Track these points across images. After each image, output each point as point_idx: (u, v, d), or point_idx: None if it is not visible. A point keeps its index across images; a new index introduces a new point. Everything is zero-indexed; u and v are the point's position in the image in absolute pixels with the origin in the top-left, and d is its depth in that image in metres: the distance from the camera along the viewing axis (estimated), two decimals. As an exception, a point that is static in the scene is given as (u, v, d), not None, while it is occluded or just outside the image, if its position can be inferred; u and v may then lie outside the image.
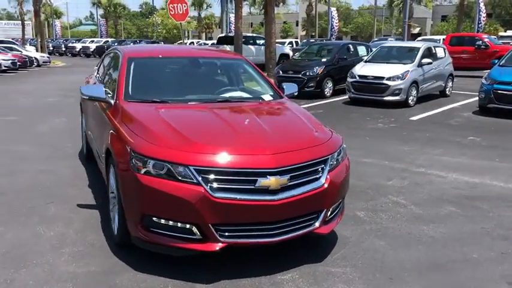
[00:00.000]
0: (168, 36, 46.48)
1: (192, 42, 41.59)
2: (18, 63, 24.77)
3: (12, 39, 36.90)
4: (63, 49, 46.80)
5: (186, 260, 3.61)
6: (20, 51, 29.29)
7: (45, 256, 3.73)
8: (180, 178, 3.23)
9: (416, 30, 51.11)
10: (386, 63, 12.22)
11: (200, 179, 3.20)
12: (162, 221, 3.33)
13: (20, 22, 46.09)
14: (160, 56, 5.39)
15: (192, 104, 4.45)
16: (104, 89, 4.51)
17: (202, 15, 60.48)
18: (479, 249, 4.00)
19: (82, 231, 4.20)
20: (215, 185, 3.22)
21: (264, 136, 3.69)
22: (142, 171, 3.31)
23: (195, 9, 57.08)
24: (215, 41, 28.81)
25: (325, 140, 3.81)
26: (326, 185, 3.52)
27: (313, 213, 3.59)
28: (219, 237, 3.29)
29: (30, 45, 40.25)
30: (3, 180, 5.65)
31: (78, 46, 45.19)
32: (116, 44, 36.76)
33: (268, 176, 3.25)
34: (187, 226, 3.30)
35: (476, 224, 4.54)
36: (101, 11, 62.43)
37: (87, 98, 4.48)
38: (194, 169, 3.22)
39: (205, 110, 4.34)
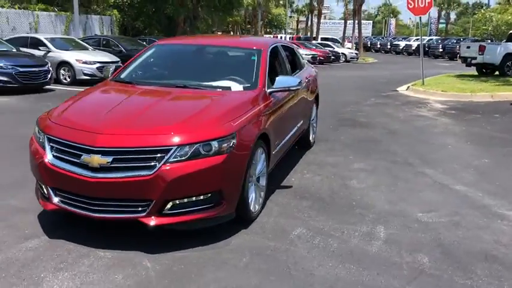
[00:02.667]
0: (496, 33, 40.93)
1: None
2: (320, 57, 27.51)
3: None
4: (388, 47, 48.35)
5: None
6: (333, 47, 32.31)
7: None
8: (39, 143, 3.66)
9: None
10: None
11: (48, 147, 3.54)
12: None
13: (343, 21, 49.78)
14: (181, 43, 5.72)
15: (146, 87, 4.54)
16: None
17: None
18: None
19: None
20: (54, 153, 3.52)
21: (135, 119, 3.63)
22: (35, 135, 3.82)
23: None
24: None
25: (185, 131, 3.42)
26: (157, 175, 3.22)
27: (142, 201, 3.31)
28: (53, 200, 3.52)
29: (348, 42, 43.38)
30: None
31: (402, 44, 45.76)
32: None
33: (90, 154, 3.27)
34: (39, 185, 3.70)
35: None
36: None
37: None
38: (46, 137, 3.59)
39: (140, 92, 4.41)
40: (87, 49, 14.66)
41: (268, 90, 4.43)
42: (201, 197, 3.41)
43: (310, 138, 6.53)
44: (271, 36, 43.55)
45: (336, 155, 6.16)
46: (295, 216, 4.10)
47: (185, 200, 3.37)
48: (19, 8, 19.93)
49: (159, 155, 3.26)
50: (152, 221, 3.31)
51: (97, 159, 3.25)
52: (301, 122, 5.77)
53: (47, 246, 3.41)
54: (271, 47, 5.09)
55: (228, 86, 4.40)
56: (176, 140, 3.32)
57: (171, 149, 3.28)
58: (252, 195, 3.89)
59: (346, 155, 6.20)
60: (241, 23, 51.94)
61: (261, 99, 4.25)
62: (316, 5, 45.57)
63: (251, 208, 3.87)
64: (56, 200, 3.52)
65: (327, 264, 3.25)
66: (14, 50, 12.07)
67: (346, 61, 31.66)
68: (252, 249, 3.44)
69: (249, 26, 51.86)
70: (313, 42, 34.80)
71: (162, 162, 3.25)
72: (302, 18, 66.11)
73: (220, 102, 4.11)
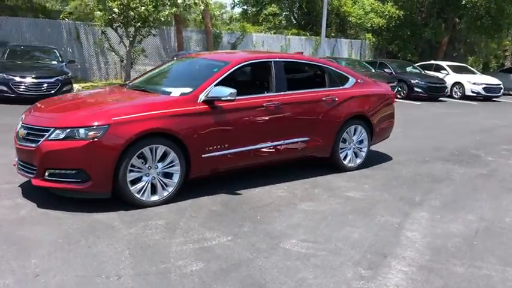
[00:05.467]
0: None
1: None
2: None
3: None
4: None
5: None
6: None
7: None
8: None
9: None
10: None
11: None
12: None
13: None
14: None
15: (126, 89, 5.61)
16: None
17: None
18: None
19: None
20: None
21: (59, 109, 4.84)
22: None
23: None
24: None
25: (69, 120, 4.40)
26: (39, 148, 4.33)
27: (33, 166, 4.45)
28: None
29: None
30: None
31: None
32: None
33: (21, 128, 4.68)
34: None
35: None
36: None
37: None
38: None
39: (109, 92, 5.81)
40: (474, 73, 19.89)
41: (202, 99, 4.83)
42: (68, 172, 4.29)
43: (345, 161, 6.17)
44: None
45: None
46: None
47: (57, 171, 4.31)
48: (275, 33, 23.36)
49: (43, 133, 4.34)
50: (37, 183, 4.40)
51: (21, 132, 4.58)
52: (306, 138, 5.67)
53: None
54: (244, 63, 5.36)
55: (169, 91, 5.03)
56: (54, 124, 4.34)
57: (50, 130, 4.31)
58: (140, 185, 4.48)
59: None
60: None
61: (182, 105, 4.72)
62: None
63: (137, 195, 4.46)
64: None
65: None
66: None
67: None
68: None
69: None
70: None
71: (43, 139, 4.31)
72: None
73: (132, 102, 4.87)
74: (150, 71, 6.23)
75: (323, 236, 4.07)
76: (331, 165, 6.17)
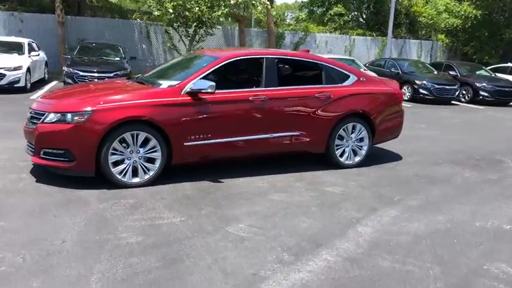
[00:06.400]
0: None
1: None
2: None
3: None
4: None
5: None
6: None
7: None
8: None
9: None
10: None
11: None
12: None
13: None
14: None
15: (131, 81, 6.15)
16: None
17: None
18: None
19: None
20: None
21: (63, 97, 5.45)
22: None
23: None
24: None
25: (61, 105, 4.99)
26: (36, 129, 4.97)
27: (32, 145, 5.11)
28: None
29: None
30: None
31: None
32: None
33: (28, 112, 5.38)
34: None
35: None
36: None
37: None
38: None
39: (113, 83, 6.38)
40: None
41: (186, 91, 5.19)
42: (58, 151, 4.85)
43: (342, 158, 6.21)
44: None
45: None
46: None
47: (49, 150, 4.89)
48: (339, 33, 23.17)
49: (40, 117, 4.95)
50: (34, 160, 5.02)
51: (28, 116, 5.24)
52: (297, 133, 5.82)
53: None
54: (233, 59, 5.65)
55: (160, 83, 5.45)
56: (48, 108, 4.93)
57: (45, 113, 4.90)
58: (121, 167, 4.94)
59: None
60: None
61: (166, 95, 5.11)
62: None
63: (118, 176, 4.93)
64: None
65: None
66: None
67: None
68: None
69: None
70: None
71: (40, 122, 4.92)
72: None
73: (122, 92, 5.34)
74: (162, 64, 6.72)
75: (272, 223, 4.24)
76: (327, 161, 6.24)
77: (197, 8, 14.17)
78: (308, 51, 7.63)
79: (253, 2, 16.16)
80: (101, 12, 21.57)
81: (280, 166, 6.09)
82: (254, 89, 5.67)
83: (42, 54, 15.38)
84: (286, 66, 6.17)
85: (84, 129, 4.76)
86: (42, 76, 14.99)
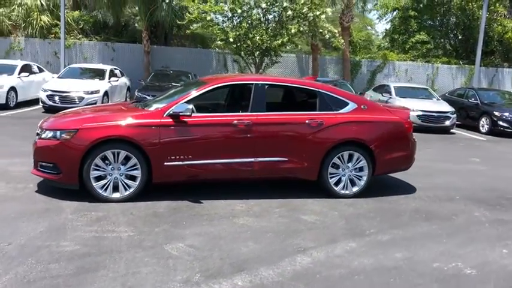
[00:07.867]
0: None
1: None
2: None
3: None
4: None
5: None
6: None
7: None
8: None
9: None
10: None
11: None
12: None
13: None
14: None
15: (129, 105, 6.62)
16: None
17: None
18: None
19: None
20: None
21: (69, 117, 6.00)
22: None
23: None
24: None
25: (55, 124, 5.54)
26: (35, 143, 5.61)
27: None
28: None
29: None
30: None
31: None
32: None
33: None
34: None
35: None
36: None
37: None
38: None
39: (112, 106, 7.00)
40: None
41: (168, 113, 5.47)
42: (48, 164, 5.38)
43: (337, 187, 6.02)
44: None
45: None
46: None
47: (43, 163, 5.44)
48: (422, 61, 22.19)
49: (41, 133, 5.53)
50: (33, 172, 5.60)
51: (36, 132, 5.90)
52: (284, 158, 5.79)
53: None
54: (221, 84, 5.83)
55: (152, 106, 5.80)
56: (46, 126, 5.50)
57: (43, 131, 5.48)
58: (103, 182, 5.32)
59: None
60: None
61: (148, 117, 5.46)
62: None
63: (99, 190, 5.31)
64: None
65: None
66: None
67: None
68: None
69: None
70: None
71: (39, 137, 5.50)
72: None
73: (111, 113, 5.77)
74: (171, 90, 7.12)
75: (213, 245, 4.28)
76: (321, 189, 6.08)
77: (257, 37, 14.62)
78: (315, 78, 7.54)
79: (321, 30, 16.21)
80: (187, 42, 23.08)
81: (275, 191, 6.08)
82: (239, 113, 5.77)
83: (125, 79, 16.91)
84: (279, 93, 6.19)
85: (69, 145, 5.23)
86: (124, 99, 16.40)
